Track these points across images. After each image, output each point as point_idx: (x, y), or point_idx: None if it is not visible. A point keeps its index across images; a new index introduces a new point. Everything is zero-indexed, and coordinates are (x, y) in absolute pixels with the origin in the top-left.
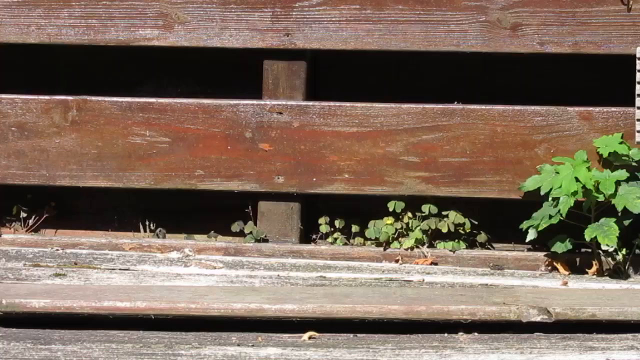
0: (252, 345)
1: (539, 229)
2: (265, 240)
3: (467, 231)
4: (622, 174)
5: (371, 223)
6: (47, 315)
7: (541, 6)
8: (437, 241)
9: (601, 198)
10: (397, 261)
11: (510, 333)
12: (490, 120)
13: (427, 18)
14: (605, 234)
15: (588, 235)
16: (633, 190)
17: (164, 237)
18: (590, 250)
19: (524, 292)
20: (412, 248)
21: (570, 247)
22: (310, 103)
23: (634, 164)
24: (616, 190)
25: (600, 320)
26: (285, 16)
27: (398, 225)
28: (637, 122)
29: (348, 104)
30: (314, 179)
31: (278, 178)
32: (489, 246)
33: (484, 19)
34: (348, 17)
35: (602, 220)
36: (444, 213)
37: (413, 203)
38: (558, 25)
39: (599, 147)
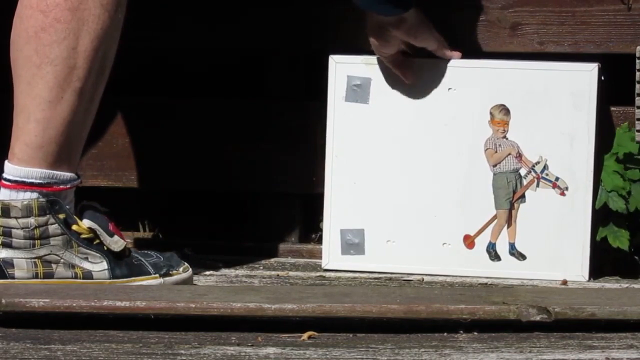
0: (252, 345)
1: None
2: (265, 240)
3: None
4: (635, 173)
5: None
6: (47, 314)
7: (541, 5)
8: None
9: None
10: None
11: (509, 332)
12: None
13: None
14: (615, 234)
15: (599, 235)
16: None
17: (163, 236)
18: None
19: (524, 291)
20: None
21: None
22: None
23: None
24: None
25: (599, 320)
26: None
27: None
28: (637, 122)
29: None
30: (314, 178)
31: (279, 177)
32: None
33: (483, 19)
34: None
35: (612, 222)
36: None
37: None
38: (558, 24)
39: (614, 147)
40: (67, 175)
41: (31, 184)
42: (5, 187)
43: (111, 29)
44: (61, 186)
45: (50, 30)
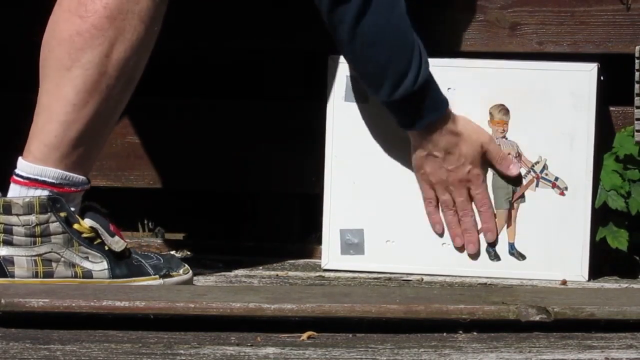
0: (251, 345)
1: None
2: (265, 240)
3: None
4: (635, 174)
5: None
6: (46, 314)
7: (540, 5)
8: None
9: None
10: None
11: (509, 332)
12: None
13: (425, 17)
14: (614, 235)
15: (598, 236)
16: None
17: (163, 236)
18: None
19: (523, 292)
20: None
21: None
22: None
23: None
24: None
25: (599, 320)
26: None
27: None
28: (636, 122)
29: None
30: (313, 178)
31: (278, 177)
32: None
33: (482, 19)
34: None
35: (611, 221)
36: None
37: None
38: (557, 24)
39: (614, 147)
40: (80, 178)
41: (44, 182)
42: (17, 183)
43: (146, 41)
44: (72, 188)
45: (86, 35)
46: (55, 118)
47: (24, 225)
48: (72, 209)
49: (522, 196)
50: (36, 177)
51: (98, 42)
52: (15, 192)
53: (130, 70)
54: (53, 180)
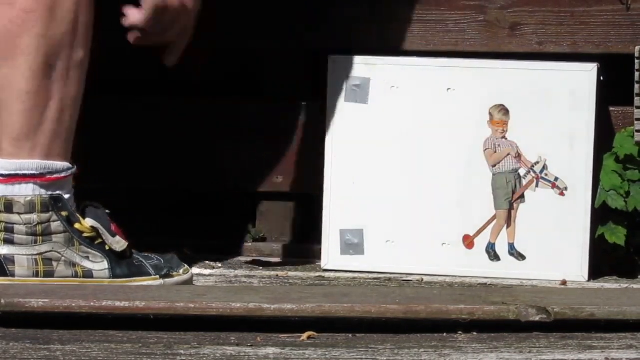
0: (251, 345)
1: None
2: (264, 240)
3: None
4: (635, 174)
5: None
6: (46, 314)
7: (540, 6)
8: None
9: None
10: None
11: (509, 332)
12: None
13: (425, 17)
14: (612, 231)
15: (596, 233)
16: None
17: (162, 236)
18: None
19: (523, 292)
20: None
21: None
22: None
23: None
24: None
25: (599, 320)
26: None
27: None
28: (636, 122)
29: None
30: (313, 178)
31: (277, 178)
32: None
33: (482, 19)
34: None
35: (610, 221)
36: None
37: None
38: (557, 24)
39: (614, 147)
40: (61, 164)
41: (24, 176)
42: (0, 182)
43: (77, 12)
44: (55, 175)
45: (18, 21)
46: (15, 109)
47: (25, 224)
48: (66, 196)
49: (522, 196)
50: (16, 172)
51: (31, 25)
52: (1, 191)
53: (70, 44)
54: (33, 172)
